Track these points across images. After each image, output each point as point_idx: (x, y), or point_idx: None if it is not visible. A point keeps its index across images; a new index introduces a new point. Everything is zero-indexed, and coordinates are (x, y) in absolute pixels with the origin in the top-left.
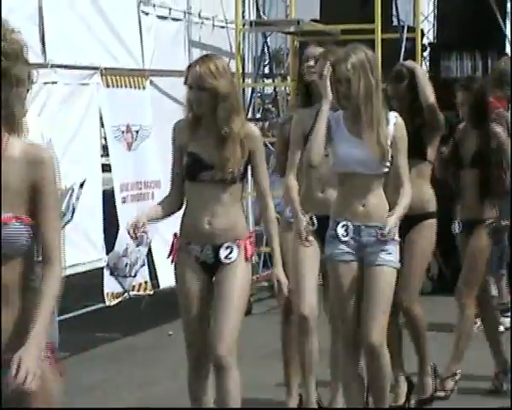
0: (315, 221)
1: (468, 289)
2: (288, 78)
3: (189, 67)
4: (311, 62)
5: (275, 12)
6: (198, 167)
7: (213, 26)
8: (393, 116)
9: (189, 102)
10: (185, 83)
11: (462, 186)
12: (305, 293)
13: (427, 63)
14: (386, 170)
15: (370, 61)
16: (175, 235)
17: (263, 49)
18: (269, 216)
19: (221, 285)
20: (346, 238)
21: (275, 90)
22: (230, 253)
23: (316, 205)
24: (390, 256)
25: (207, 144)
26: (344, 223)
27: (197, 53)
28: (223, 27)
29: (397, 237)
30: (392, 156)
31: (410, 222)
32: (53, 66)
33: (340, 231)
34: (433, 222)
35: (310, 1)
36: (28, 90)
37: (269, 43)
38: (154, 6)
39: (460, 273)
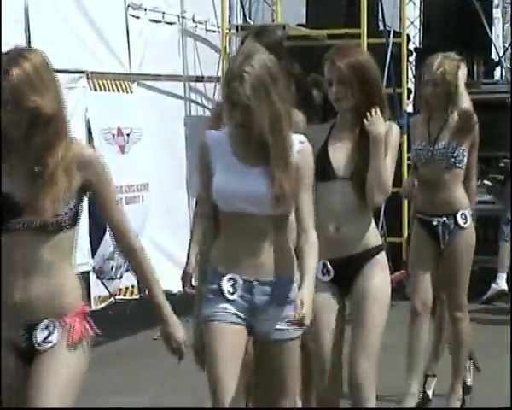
0: (330, 268)
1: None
2: None
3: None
4: None
5: (261, 16)
6: (7, 211)
7: (206, 30)
8: (298, 141)
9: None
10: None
11: None
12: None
13: (413, 68)
14: (290, 209)
15: (271, 70)
16: None
17: None
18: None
19: (34, 381)
20: (233, 296)
21: None
22: (49, 335)
23: (329, 247)
24: (290, 326)
25: (18, 179)
26: (230, 276)
27: (191, 57)
28: (214, 32)
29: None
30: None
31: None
32: None
33: (226, 286)
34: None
35: (296, 6)
36: None
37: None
38: (146, 10)
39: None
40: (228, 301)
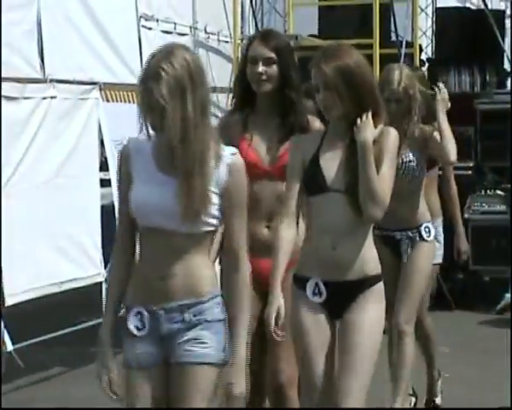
0: (322, 289)
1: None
2: None
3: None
4: (260, 68)
5: (273, 27)
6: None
7: (218, 40)
8: (228, 153)
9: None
10: None
11: None
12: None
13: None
14: (209, 228)
15: (192, 71)
16: None
17: None
18: None
19: None
20: (141, 332)
21: None
22: None
23: (324, 266)
24: (205, 348)
25: None
26: (137, 310)
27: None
28: (227, 42)
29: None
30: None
31: None
32: (52, 81)
33: (134, 322)
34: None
35: (308, 16)
36: None
37: None
38: (158, 21)
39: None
40: (140, 339)
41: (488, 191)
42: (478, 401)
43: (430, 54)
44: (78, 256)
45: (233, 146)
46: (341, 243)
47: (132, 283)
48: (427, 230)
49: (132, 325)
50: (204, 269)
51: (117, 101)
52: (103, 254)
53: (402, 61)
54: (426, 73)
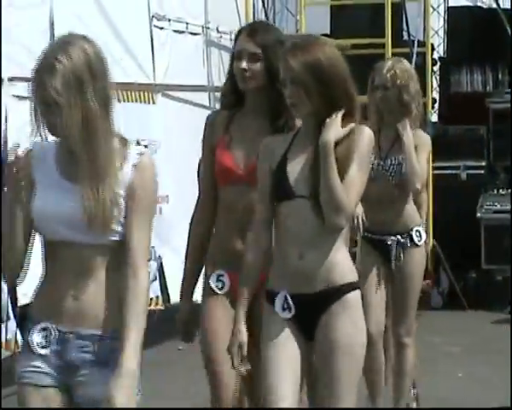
0: (291, 304)
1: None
2: None
3: None
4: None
5: (285, 26)
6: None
7: (231, 40)
8: (135, 153)
9: None
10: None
11: None
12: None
13: (438, 78)
14: (122, 238)
15: (92, 63)
16: None
17: None
18: None
19: None
20: (44, 350)
21: None
22: None
23: (292, 278)
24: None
25: None
26: (43, 326)
27: (215, 67)
28: None
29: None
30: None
31: None
32: None
33: (37, 338)
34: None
35: (320, 15)
36: None
37: None
38: (170, 21)
39: None
40: (40, 356)
41: (500, 190)
42: (491, 400)
43: (442, 53)
44: None
45: (214, 147)
46: (308, 253)
47: (38, 297)
48: (417, 234)
49: (35, 341)
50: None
51: (128, 101)
52: None
53: (414, 60)
54: (438, 72)
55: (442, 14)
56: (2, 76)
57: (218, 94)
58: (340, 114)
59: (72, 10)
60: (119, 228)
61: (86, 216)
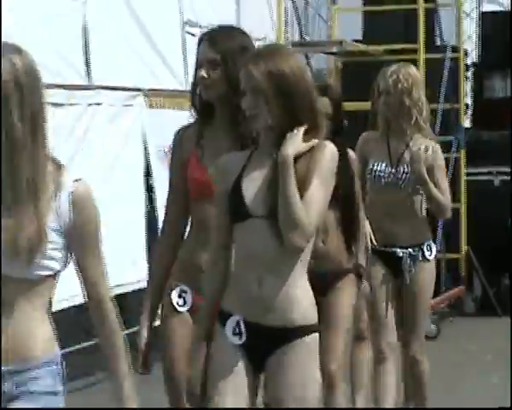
0: (243, 330)
1: None
2: None
3: None
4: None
5: (317, 32)
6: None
7: None
8: (71, 180)
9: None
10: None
11: None
12: None
13: (471, 83)
14: (47, 273)
15: (19, 77)
16: None
17: None
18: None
19: None
20: None
21: None
22: None
23: (248, 304)
24: None
25: None
26: None
27: None
28: None
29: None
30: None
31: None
32: (97, 87)
33: None
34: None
35: (352, 21)
36: None
37: (311, 64)
38: (201, 27)
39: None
40: None
41: None
42: None
43: (475, 58)
44: (123, 262)
45: (184, 163)
46: (267, 279)
47: None
48: (428, 248)
49: None
50: (37, 327)
51: (161, 107)
52: (148, 259)
53: (447, 65)
54: (471, 77)
55: (475, 19)
56: None
57: None
58: (301, 130)
59: (105, 17)
60: (47, 262)
61: (8, 247)
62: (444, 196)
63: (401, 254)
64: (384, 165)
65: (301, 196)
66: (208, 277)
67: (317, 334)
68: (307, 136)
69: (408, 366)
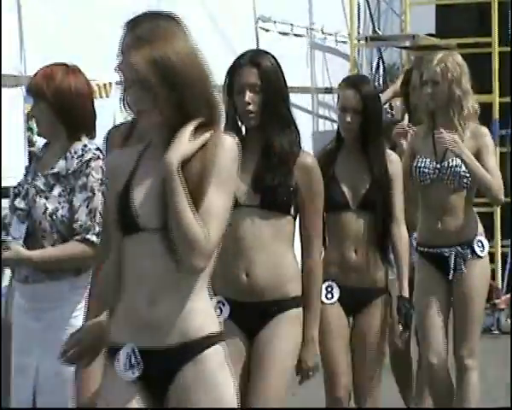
0: (139, 359)
1: None
2: None
3: None
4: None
5: (390, 27)
6: None
7: (336, 41)
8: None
9: None
10: None
11: None
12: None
13: None
14: None
15: None
16: None
17: (378, 64)
18: None
19: None
20: None
21: (390, 104)
22: None
23: (140, 329)
24: None
25: None
26: None
27: (319, 69)
28: (345, 42)
29: None
30: None
31: None
32: None
33: None
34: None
35: (425, 15)
36: None
37: (384, 58)
38: (275, 22)
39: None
40: None
41: None
42: None
43: None
44: None
45: None
46: (161, 298)
47: None
48: (479, 244)
49: None
50: None
51: None
52: None
53: None
54: None
55: None
56: (110, 80)
57: (322, 96)
58: (189, 127)
59: (177, 12)
60: None
61: None
62: (493, 176)
63: (447, 254)
64: (428, 161)
65: (197, 206)
66: (95, 298)
67: (219, 346)
68: (200, 131)
69: (457, 370)
